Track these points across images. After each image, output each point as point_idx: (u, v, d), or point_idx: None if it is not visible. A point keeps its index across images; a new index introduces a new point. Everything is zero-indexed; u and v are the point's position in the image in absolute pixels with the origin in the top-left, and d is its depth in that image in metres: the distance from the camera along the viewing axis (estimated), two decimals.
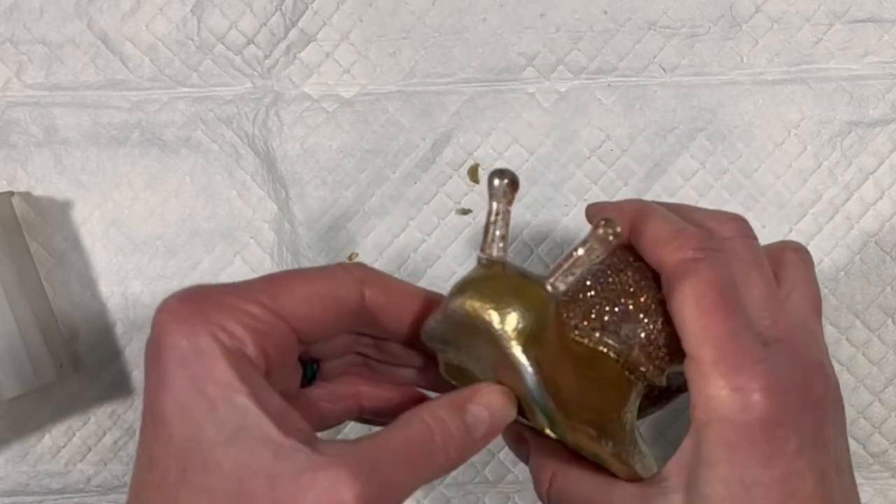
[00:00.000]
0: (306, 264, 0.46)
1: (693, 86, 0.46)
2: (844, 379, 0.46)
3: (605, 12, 0.46)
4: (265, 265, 0.46)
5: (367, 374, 0.33)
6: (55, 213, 0.46)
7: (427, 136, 0.46)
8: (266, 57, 0.46)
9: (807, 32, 0.45)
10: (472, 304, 0.28)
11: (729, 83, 0.46)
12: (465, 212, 0.46)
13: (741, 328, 0.28)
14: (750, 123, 0.46)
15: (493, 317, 0.28)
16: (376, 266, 0.43)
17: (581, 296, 0.31)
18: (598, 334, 0.31)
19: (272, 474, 0.24)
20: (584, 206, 0.39)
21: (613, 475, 0.31)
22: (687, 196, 0.46)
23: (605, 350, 0.31)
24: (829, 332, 0.46)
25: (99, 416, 0.47)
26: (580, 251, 0.28)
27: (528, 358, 0.28)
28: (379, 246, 0.46)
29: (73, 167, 0.46)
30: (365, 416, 0.33)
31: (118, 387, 0.47)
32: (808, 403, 0.28)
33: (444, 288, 0.30)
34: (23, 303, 0.43)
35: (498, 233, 0.29)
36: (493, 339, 0.28)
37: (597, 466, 0.31)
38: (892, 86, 0.45)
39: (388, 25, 0.46)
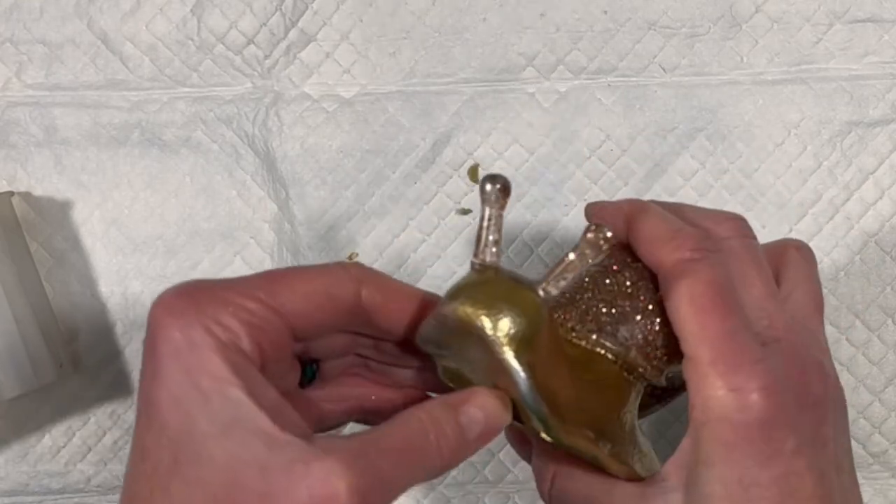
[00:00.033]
0: (306, 264, 0.46)
1: (693, 86, 0.46)
2: (844, 379, 0.46)
3: (605, 12, 0.46)
4: (265, 265, 0.46)
5: (368, 375, 0.33)
6: (55, 213, 0.46)
7: (427, 136, 0.46)
8: (266, 57, 0.46)
9: (807, 32, 0.45)
10: (465, 310, 0.28)
11: (729, 83, 0.46)
12: (465, 212, 0.46)
13: (739, 328, 0.28)
14: (750, 123, 0.46)
15: (485, 322, 0.28)
16: (376, 266, 0.43)
17: (578, 297, 0.31)
18: (594, 336, 0.31)
19: (265, 466, 0.24)
20: (584, 206, 0.39)
21: (613, 475, 0.31)
22: (687, 196, 0.46)
23: (603, 352, 0.31)
24: (829, 332, 0.46)
25: (99, 416, 0.47)
26: (571, 256, 0.28)
27: (521, 363, 0.28)
28: (379, 246, 0.46)
29: (73, 167, 0.46)
30: (366, 418, 0.33)
31: (118, 387, 0.47)
32: (807, 403, 0.28)
33: (445, 288, 0.30)
34: (23, 303, 0.43)
35: (490, 238, 0.29)
36: (486, 345, 0.28)
37: (596, 467, 0.31)
38: (892, 86, 0.45)
39: (388, 25, 0.46)
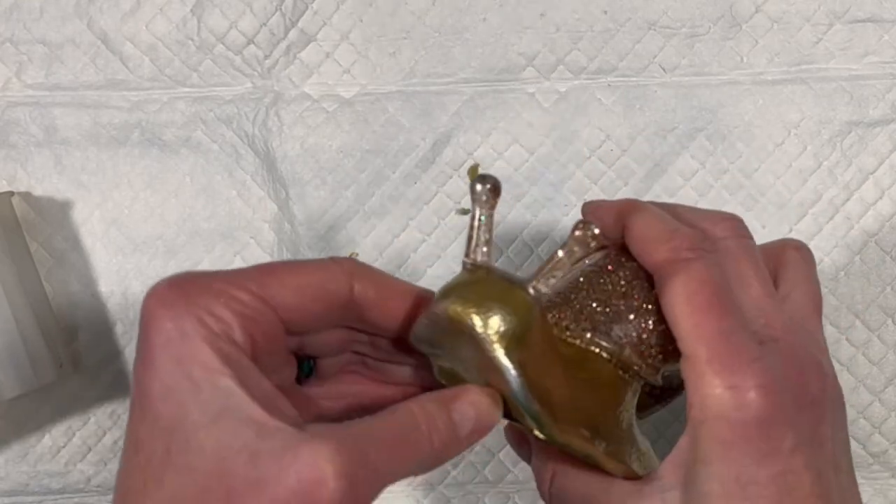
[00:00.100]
0: None
1: (693, 86, 0.46)
2: (844, 379, 0.46)
3: (605, 12, 0.46)
4: None
5: (365, 372, 0.33)
6: (55, 213, 0.46)
7: (427, 136, 0.46)
8: (266, 57, 0.46)
9: (807, 32, 0.45)
10: (455, 309, 0.28)
11: (729, 83, 0.46)
12: (465, 212, 0.46)
13: (735, 327, 0.28)
14: (750, 123, 0.46)
15: (476, 320, 0.28)
16: (376, 266, 0.43)
17: (573, 297, 0.32)
18: (589, 335, 0.31)
19: (254, 453, 0.24)
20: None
21: (610, 474, 0.31)
22: (687, 196, 0.46)
23: (597, 350, 0.31)
24: (829, 332, 0.46)
25: (99, 416, 0.47)
26: (560, 253, 0.29)
27: (512, 360, 0.28)
28: (379, 246, 0.46)
29: (73, 167, 0.46)
30: (364, 415, 0.33)
31: (118, 387, 0.47)
32: (805, 402, 0.29)
33: None
34: (23, 303, 0.43)
35: (482, 238, 0.29)
36: (477, 343, 0.28)
37: (594, 466, 0.31)
38: (892, 86, 0.45)
39: (388, 25, 0.46)
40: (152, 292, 0.26)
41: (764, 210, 0.46)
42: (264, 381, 0.26)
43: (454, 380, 0.30)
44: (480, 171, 0.46)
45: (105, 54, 0.46)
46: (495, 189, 0.29)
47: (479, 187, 0.29)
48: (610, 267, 0.32)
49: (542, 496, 0.33)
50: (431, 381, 0.32)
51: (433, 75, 0.46)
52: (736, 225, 0.31)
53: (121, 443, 0.47)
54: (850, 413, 0.46)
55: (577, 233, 0.28)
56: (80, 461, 0.47)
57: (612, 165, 0.46)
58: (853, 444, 0.46)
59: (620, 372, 0.31)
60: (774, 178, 0.46)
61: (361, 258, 0.46)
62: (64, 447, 0.47)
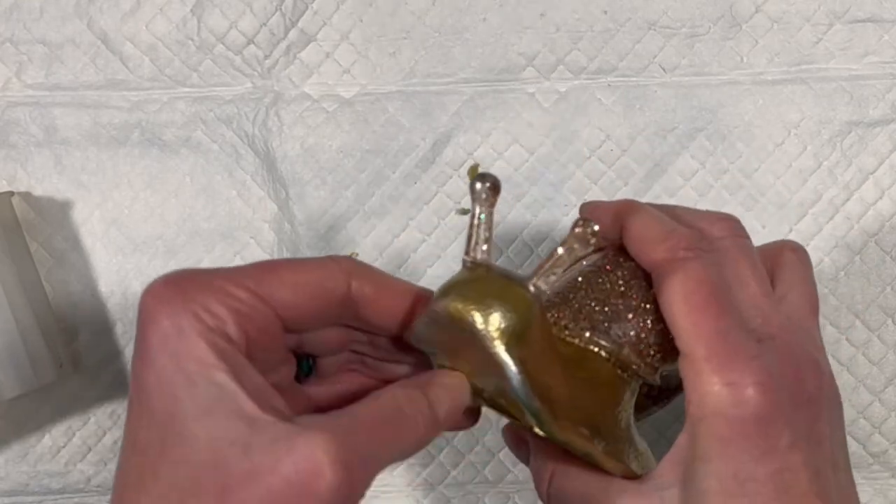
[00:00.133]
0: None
1: (693, 86, 0.46)
2: (844, 379, 0.46)
3: (605, 12, 0.46)
4: None
5: (365, 371, 0.33)
6: (55, 213, 0.46)
7: (427, 136, 0.46)
8: (266, 57, 0.46)
9: (807, 32, 0.45)
10: (456, 306, 0.28)
11: (729, 83, 0.46)
12: (465, 212, 0.46)
13: (733, 326, 0.29)
14: (750, 123, 0.46)
15: (476, 317, 0.28)
16: (376, 266, 0.43)
17: (571, 297, 0.32)
18: (588, 334, 0.31)
19: (247, 444, 0.25)
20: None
21: (608, 473, 0.31)
22: (687, 196, 0.46)
23: (596, 349, 0.31)
24: (829, 332, 0.46)
25: (99, 416, 0.47)
26: (560, 251, 0.29)
27: (512, 357, 0.28)
28: (379, 246, 0.46)
29: (73, 167, 0.46)
30: None
31: (118, 387, 0.47)
32: (802, 400, 0.29)
33: None
34: (23, 303, 0.43)
35: (481, 236, 0.29)
36: (478, 340, 0.28)
37: (593, 465, 0.31)
38: (892, 86, 0.45)
39: (388, 25, 0.46)
40: (149, 289, 0.27)
41: (764, 210, 0.46)
42: (257, 376, 0.26)
43: None
44: (480, 170, 0.46)
45: (105, 54, 0.46)
46: (495, 187, 0.29)
47: (478, 185, 0.29)
48: (608, 267, 0.32)
49: (541, 497, 0.33)
50: None
51: (433, 75, 0.46)
52: (733, 225, 0.32)
53: (121, 442, 0.47)
54: (850, 413, 0.46)
55: (578, 230, 0.28)
56: (80, 461, 0.47)
57: (612, 165, 0.46)
58: (853, 444, 0.46)
59: (619, 371, 0.31)
60: (774, 178, 0.46)
61: (361, 258, 0.46)
62: (64, 447, 0.47)
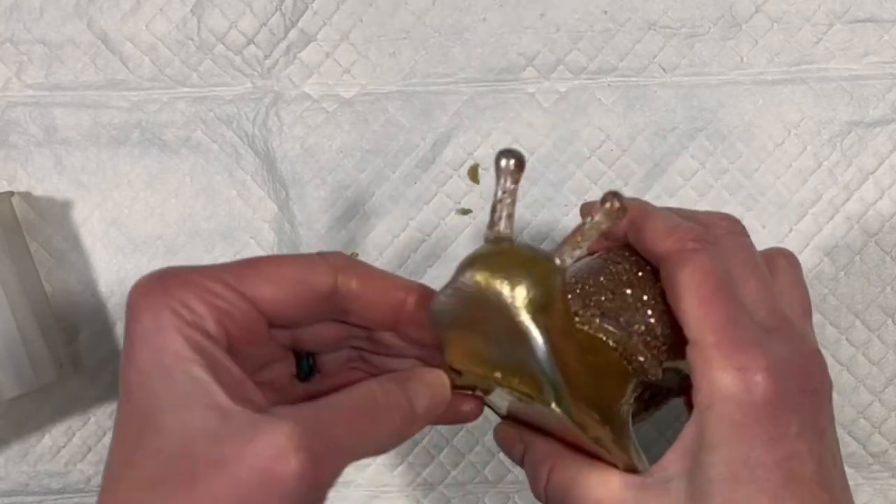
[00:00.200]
0: None
1: (693, 86, 0.46)
2: (844, 379, 0.46)
3: (605, 12, 0.46)
4: None
5: (367, 368, 0.34)
6: (55, 213, 0.46)
7: (427, 136, 0.46)
8: (266, 57, 0.46)
9: (807, 32, 0.45)
10: (483, 275, 0.28)
11: (729, 83, 0.46)
12: (465, 212, 0.46)
13: (741, 314, 0.29)
14: (750, 123, 0.46)
15: (504, 287, 0.28)
16: (376, 266, 0.43)
17: (581, 284, 0.32)
18: (598, 320, 0.31)
19: (217, 435, 0.25)
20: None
21: (610, 466, 0.31)
22: (687, 196, 0.46)
23: (605, 338, 0.31)
24: (829, 332, 0.46)
25: (99, 416, 0.47)
26: (586, 224, 0.29)
27: (538, 326, 0.28)
28: (379, 246, 0.46)
29: (73, 167, 0.46)
30: None
31: (118, 387, 0.47)
32: (808, 389, 0.29)
33: None
34: (23, 303, 0.43)
35: (505, 211, 0.29)
36: (503, 310, 0.28)
37: (594, 459, 0.31)
38: (892, 86, 0.45)
39: (388, 25, 0.46)
40: (134, 286, 0.28)
41: (764, 210, 0.46)
42: (235, 370, 0.27)
43: (464, 364, 0.31)
44: (481, 171, 0.46)
45: (105, 54, 0.46)
46: (520, 163, 0.29)
47: (503, 162, 0.29)
48: (617, 260, 0.33)
49: (537, 494, 0.33)
50: None
51: (433, 75, 0.46)
52: (734, 224, 0.32)
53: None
54: (850, 413, 0.46)
55: (607, 205, 0.28)
56: (80, 461, 0.47)
57: (612, 165, 0.46)
58: (853, 444, 0.46)
59: (625, 363, 0.32)
60: (774, 178, 0.46)
61: (361, 258, 0.46)
62: (64, 447, 0.47)
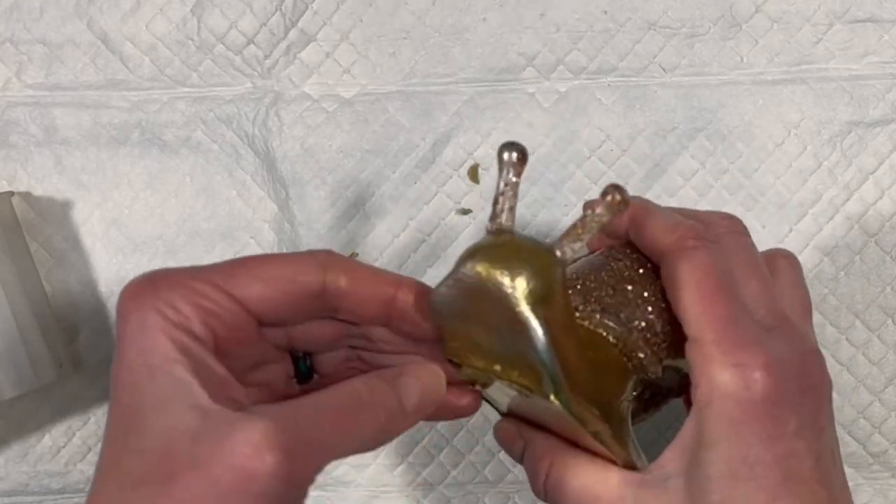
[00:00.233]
0: None
1: (693, 86, 0.46)
2: (844, 379, 0.46)
3: (605, 12, 0.46)
4: None
5: (365, 368, 0.33)
6: (55, 213, 0.46)
7: (427, 136, 0.46)
8: (266, 57, 0.46)
9: (807, 32, 0.45)
10: (484, 266, 0.28)
11: (729, 83, 0.46)
12: (465, 212, 0.46)
13: (741, 312, 0.29)
14: (750, 123, 0.46)
15: (504, 277, 0.28)
16: (376, 266, 0.43)
17: (581, 280, 0.32)
18: (598, 316, 0.32)
19: (196, 435, 0.26)
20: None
21: (609, 462, 0.31)
22: (687, 196, 0.46)
23: (605, 333, 0.32)
24: (829, 332, 0.46)
25: (99, 416, 0.47)
26: (587, 216, 0.29)
27: (538, 317, 0.28)
28: (379, 246, 0.46)
29: (73, 167, 0.46)
30: None
31: None
32: (807, 388, 0.29)
33: None
34: (23, 303, 0.43)
35: (507, 204, 0.30)
36: (503, 300, 0.28)
37: (593, 455, 0.31)
38: (892, 86, 0.45)
39: (388, 25, 0.46)
40: (125, 288, 0.28)
41: (764, 210, 0.46)
42: (220, 370, 0.27)
43: (464, 357, 0.31)
44: (481, 171, 0.46)
45: (105, 54, 0.46)
46: (523, 156, 0.29)
47: (506, 155, 0.29)
48: (618, 257, 0.33)
49: (536, 491, 0.33)
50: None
51: (433, 75, 0.46)
52: (735, 223, 0.32)
53: None
54: (850, 413, 0.46)
55: (608, 197, 0.28)
56: (80, 461, 0.47)
57: (612, 165, 0.46)
58: (853, 444, 0.46)
59: (624, 359, 0.32)
60: (774, 178, 0.46)
61: (361, 258, 0.46)
62: (64, 447, 0.47)
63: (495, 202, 0.30)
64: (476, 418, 0.46)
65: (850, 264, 0.46)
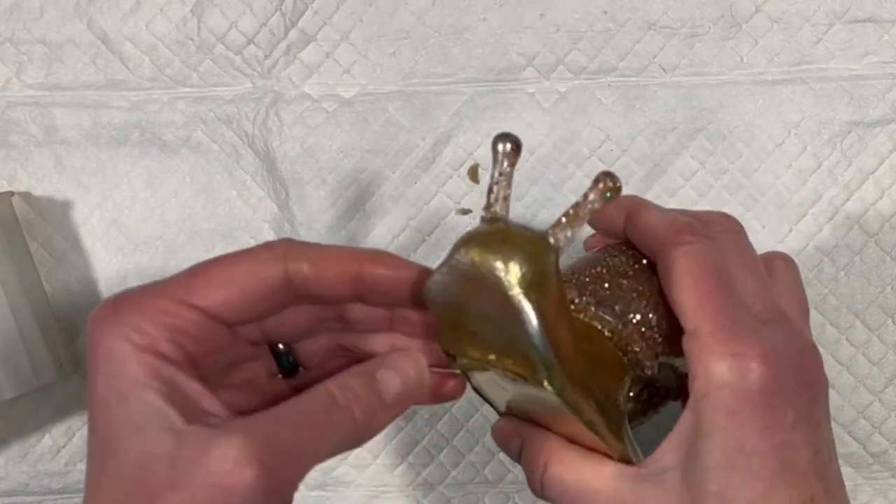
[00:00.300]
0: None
1: (693, 86, 0.46)
2: (844, 379, 0.46)
3: (605, 12, 0.46)
4: None
5: (348, 355, 0.33)
6: (55, 213, 0.46)
7: (427, 136, 0.46)
8: (266, 57, 0.46)
9: (807, 32, 0.45)
10: (477, 252, 0.29)
11: (729, 83, 0.46)
12: (465, 212, 0.46)
13: (738, 304, 0.29)
14: (750, 123, 0.46)
15: (498, 264, 0.28)
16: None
17: (577, 277, 0.33)
18: (593, 308, 0.32)
19: (172, 457, 0.26)
20: None
21: (605, 457, 0.31)
22: (687, 196, 0.46)
23: (600, 326, 0.32)
24: (829, 332, 0.46)
25: None
26: (580, 203, 0.29)
27: (532, 303, 0.28)
28: (379, 246, 0.46)
29: (73, 167, 0.46)
30: None
31: None
32: (803, 381, 0.29)
33: None
34: (23, 303, 0.43)
35: (501, 193, 0.30)
36: (497, 287, 0.28)
37: (590, 451, 0.31)
38: (892, 86, 0.45)
39: (388, 25, 0.46)
40: (92, 314, 0.28)
41: (764, 210, 0.46)
42: (192, 387, 0.28)
43: (458, 347, 0.31)
44: (481, 171, 0.46)
45: (105, 54, 0.46)
46: (516, 146, 0.30)
47: (500, 146, 0.30)
48: (614, 254, 0.33)
49: (533, 488, 0.33)
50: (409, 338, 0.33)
51: (433, 75, 0.46)
52: (731, 222, 0.33)
53: None
54: (850, 413, 0.46)
55: (600, 185, 0.28)
56: (80, 461, 0.47)
57: (612, 165, 0.46)
58: (853, 444, 0.46)
59: (620, 353, 0.32)
60: (774, 178, 0.46)
61: None
62: (64, 447, 0.47)
63: (490, 191, 0.30)
64: (476, 418, 0.47)
65: (850, 264, 0.46)
